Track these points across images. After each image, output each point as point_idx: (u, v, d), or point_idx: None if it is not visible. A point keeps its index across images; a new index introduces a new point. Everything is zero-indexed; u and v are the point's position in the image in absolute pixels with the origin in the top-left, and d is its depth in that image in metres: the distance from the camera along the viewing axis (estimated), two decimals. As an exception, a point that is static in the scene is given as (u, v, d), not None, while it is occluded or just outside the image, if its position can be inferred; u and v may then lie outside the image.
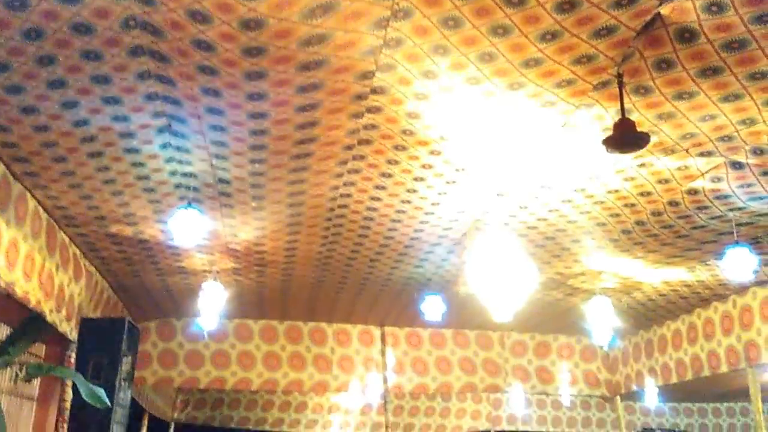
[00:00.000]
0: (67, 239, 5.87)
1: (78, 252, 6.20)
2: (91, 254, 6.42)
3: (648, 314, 8.39)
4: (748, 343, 6.97)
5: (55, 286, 5.68)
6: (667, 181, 4.69)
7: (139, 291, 7.69)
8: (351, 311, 8.87)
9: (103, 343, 6.65)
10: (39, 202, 5.13)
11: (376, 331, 9.59)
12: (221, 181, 4.83)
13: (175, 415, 11.80)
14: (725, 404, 13.15)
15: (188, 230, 4.83)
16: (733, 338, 7.24)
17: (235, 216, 5.51)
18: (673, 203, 5.04)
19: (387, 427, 9.55)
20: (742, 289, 7.06)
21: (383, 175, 4.75)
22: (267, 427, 12.48)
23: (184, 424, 11.99)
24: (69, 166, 4.56)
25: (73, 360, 6.39)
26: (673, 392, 10.60)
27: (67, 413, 6.20)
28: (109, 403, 5.87)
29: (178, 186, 4.91)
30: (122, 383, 6.83)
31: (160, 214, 5.41)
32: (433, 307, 7.53)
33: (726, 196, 4.84)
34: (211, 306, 6.87)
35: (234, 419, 12.24)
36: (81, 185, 4.89)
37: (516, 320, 8.25)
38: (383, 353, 9.46)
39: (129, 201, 5.18)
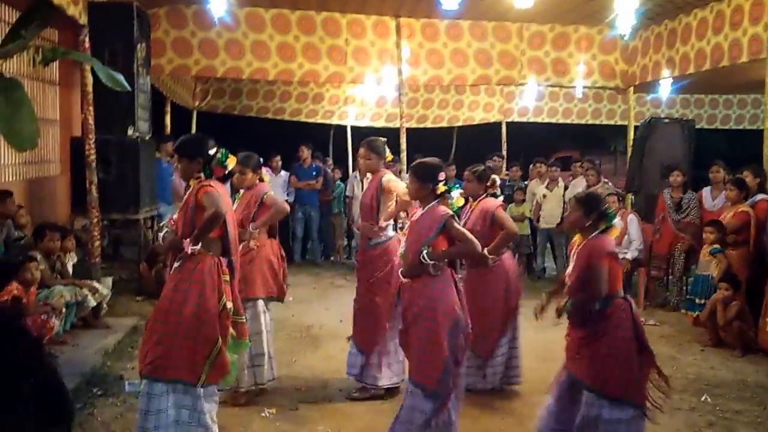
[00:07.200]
0: None
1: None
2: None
3: (676, 1, 8.00)
4: (775, 32, 6.75)
5: (54, -34, 5.41)
6: None
7: (142, -26, 7.36)
8: (365, 0, 8.54)
9: (115, 29, 6.60)
10: None
11: (391, 23, 9.32)
12: None
13: (197, 103, 12.21)
14: (738, 96, 13.25)
15: None
16: (759, 27, 6.97)
17: None
18: None
19: (401, 117, 9.82)
20: (780, -27, 6.61)
21: None
22: (285, 117, 12.97)
23: (206, 113, 12.48)
24: None
25: (87, 46, 6.37)
26: (687, 83, 10.63)
27: (90, 97, 6.38)
28: (129, 87, 6.01)
29: None
30: (140, 69, 6.93)
31: None
32: (450, -5, 7.20)
33: None
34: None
35: (253, 109, 12.66)
36: None
37: (537, 10, 7.97)
38: (398, 45, 9.31)
39: None
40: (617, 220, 3.93)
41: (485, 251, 4.88)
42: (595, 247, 3.68)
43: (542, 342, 5.64)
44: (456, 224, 3.75)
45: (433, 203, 3.83)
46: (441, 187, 3.82)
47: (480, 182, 5.18)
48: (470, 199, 5.20)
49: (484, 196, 5.17)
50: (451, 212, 3.77)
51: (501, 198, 5.39)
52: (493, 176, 5.27)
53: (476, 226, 4.98)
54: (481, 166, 5.44)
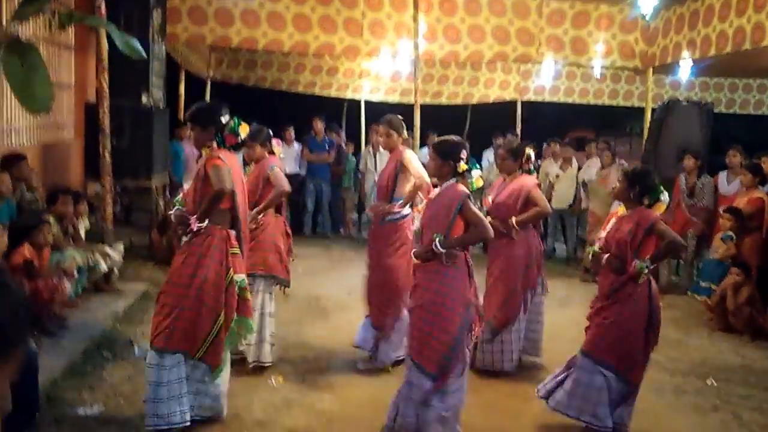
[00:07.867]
0: None
1: None
2: None
3: (700, -18, 7.85)
4: (800, 15, 6.60)
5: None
6: None
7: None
8: (383, -29, 8.43)
9: (131, -6, 6.57)
10: None
11: (408, -5, 9.21)
12: None
13: (211, 73, 12.15)
14: (758, 80, 13.03)
15: None
16: (784, 9, 6.84)
17: None
18: None
19: (416, 93, 9.71)
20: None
21: None
22: (300, 89, 12.89)
23: (220, 83, 12.43)
24: None
25: (103, 12, 6.34)
26: (706, 66, 10.44)
27: (105, 63, 6.37)
28: (144, 54, 5.99)
29: None
30: (155, 36, 6.91)
31: None
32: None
33: None
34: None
35: (267, 80, 12.59)
36: None
37: (557, -14, 7.81)
38: (415, 19, 9.18)
39: None
40: (664, 197, 4.02)
41: (512, 220, 4.87)
42: (643, 216, 3.90)
43: (547, 319, 5.63)
44: (471, 206, 3.69)
45: (451, 181, 3.79)
46: (462, 166, 3.77)
47: (515, 159, 5.09)
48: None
49: (519, 173, 5.10)
50: (467, 192, 3.73)
51: (536, 174, 5.33)
52: (528, 151, 5.16)
53: (508, 200, 4.96)
54: (515, 142, 5.40)
